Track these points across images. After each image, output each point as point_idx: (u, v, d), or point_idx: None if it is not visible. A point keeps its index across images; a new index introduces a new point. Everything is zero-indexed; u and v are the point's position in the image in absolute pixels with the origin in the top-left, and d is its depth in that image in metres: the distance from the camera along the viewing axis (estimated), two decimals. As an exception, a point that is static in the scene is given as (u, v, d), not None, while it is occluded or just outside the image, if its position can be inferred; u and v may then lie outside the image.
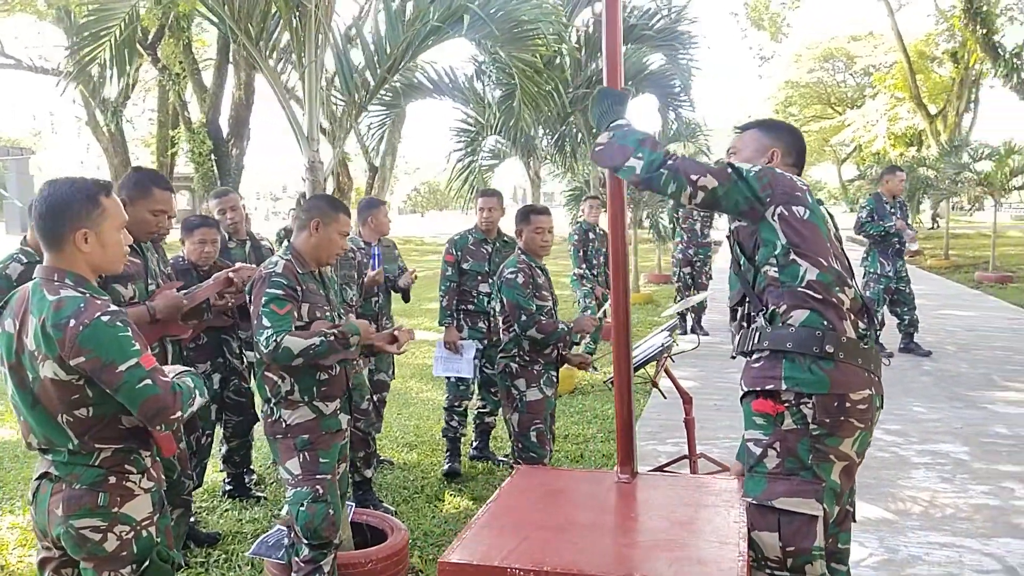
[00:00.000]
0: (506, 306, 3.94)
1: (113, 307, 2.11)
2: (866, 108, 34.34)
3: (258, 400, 3.83)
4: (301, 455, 2.98)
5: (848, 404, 2.23)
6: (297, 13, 3.49)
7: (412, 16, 3.92)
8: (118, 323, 2.07)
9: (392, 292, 4.98)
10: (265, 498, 4.59)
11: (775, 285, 2.33)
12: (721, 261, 10.90)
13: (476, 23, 4.05)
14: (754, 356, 2.37)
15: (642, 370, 3.90)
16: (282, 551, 3.16)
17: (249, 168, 19.44)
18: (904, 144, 32.14)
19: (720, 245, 9.90)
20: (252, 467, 4.81)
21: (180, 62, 17.57)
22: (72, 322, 2.02)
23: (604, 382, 4.55)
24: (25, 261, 3.65)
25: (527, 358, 3.99)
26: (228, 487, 4.63)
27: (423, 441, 5.69)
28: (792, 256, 2.30)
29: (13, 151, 37.56)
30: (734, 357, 2.51)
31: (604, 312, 7.90)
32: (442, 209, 63.98)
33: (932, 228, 26.01)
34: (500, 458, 5.24)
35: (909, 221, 8.03)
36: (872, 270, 7.71)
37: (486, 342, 5.15)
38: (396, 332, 3.25)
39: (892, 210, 7.68)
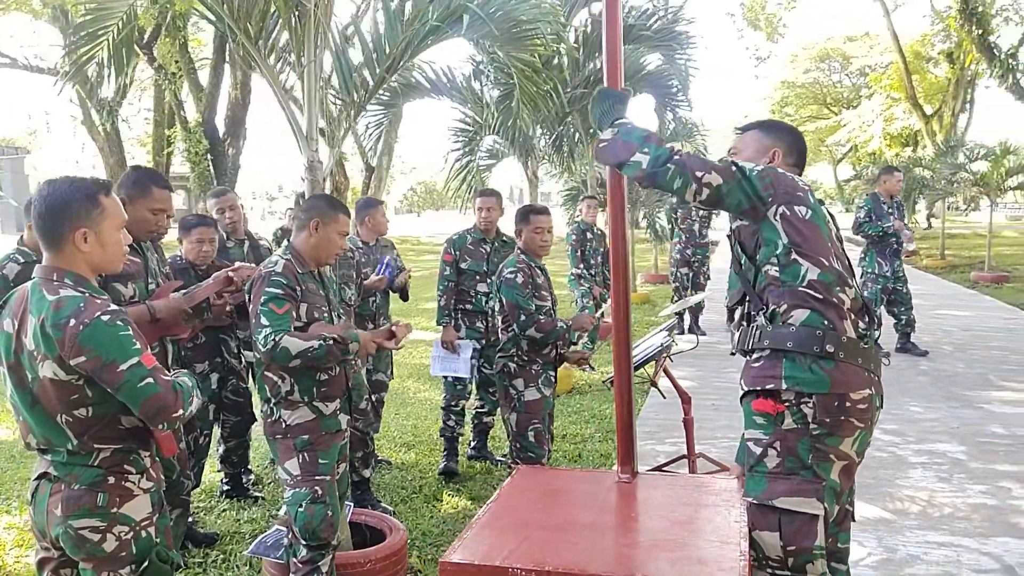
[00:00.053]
0: (505, 306, 3.94)
1: (113, 306, 2.10)
2: (862, 108, 34.37)
3: (256, 400, 3.83)
4: (300, 456, 2.97)
5: (848, 404, 2.23)
6: (296, 12, 3.48)
7: (411, 16, 3.91)
8: (118, 322, 2.06)
9: (390, 292, 4.97)
10: (263, 498, 4.58)
11: (776, 284, 2.33)
12: (719, 261, 10.89)
13: (475, 23, 4.05)
14: (754, 355, 2.37)
15: (641, 370, 3.90)
16: (281, 551, 3.16)
17: (245, 168, 19.41)
18: (900, 144, 32.19)
19: (717, 245, 9.90)
20: (250, 467, 4.80)
21: (176, 61, 17.53)
22: (72, 322, 2.01)
23: (603, 382, 4.54)
24: (22, 261, 3.64)
25: (525, 358, 3.99)
26: (226, 487, 4.62)
27: (421, 441, 5.69)
28: (793, 256, 2.30)
29: (8, 150, 37.46)
30: (733, 354, 2.51)
31: (602, 313, 7.92)
32: (438, 209, 63.93)
33: (927, 228, 26.07)
34: (498, 458, 5.24)
35: (905, 221, 8.04)
36: (870, 270, 7.72)
37: (484, 342, 5.14)
38: (393, 327, 3.24)
39: (889, 210, 7.71)
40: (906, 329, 8.02)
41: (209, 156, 17.62)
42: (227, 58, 17.30)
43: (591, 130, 9.15)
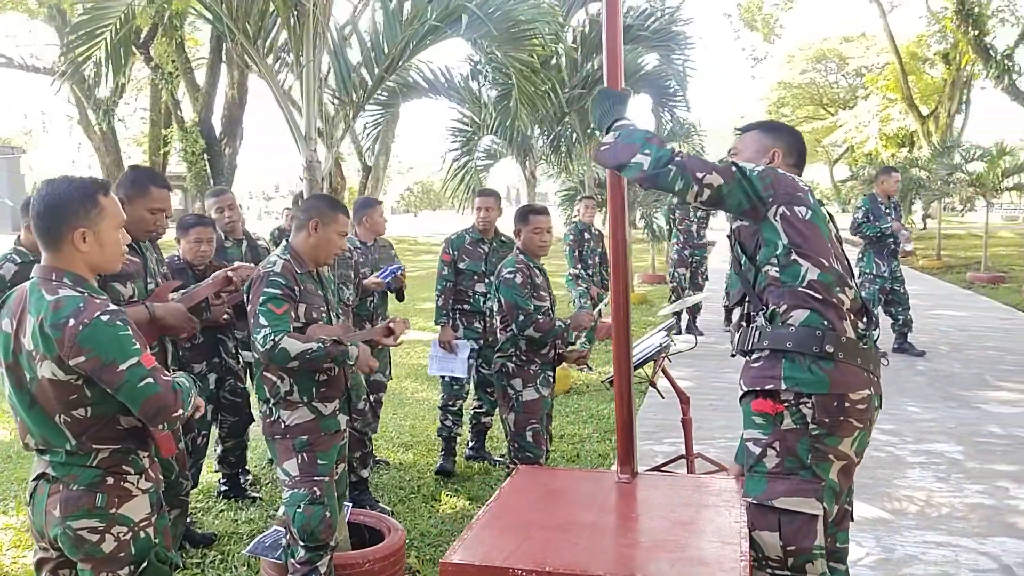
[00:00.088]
0: (504, 306, 3.94)
1: (112, 306, 2.10)
2: (858, 109, 34.42)
3: (254, 400, 3.82)
4: (300, 456, 2.97)
5: (847, 404, 2.24)
6: (295, 12, 3.47)
7: (410, 15, 3.91)
8: (118, 322, 2.06)
9: (388, 292, 4.97)
10: (261, 498, 4.57)
11: (776, 285, 2.33)
12: (715, 262, 10.93)
13: (474, 23, 4.04)
14: (754, 356, 2.37)
15: (639, 370, 3.90)
16: (279, 551, 3.15)
17: (242, 167, 19.41)
18: (896, 145, 32.23)
19: (714, 245, 9.92)
20: (247, 467, 4.80)
21: (173, 61, 17.52)
22: (71, 322, 2.01)
23: (602, 382, 4.55)
24: (19, 261, 3.63)
25: (524, 358, 3.99)
26: (223, 487, 4.61)
27: (419, 441, 5.68)
28: (793, 256, 2.30)
29: (4, 150, 37.40)
30: (733, 355, 2.52)
31: (599, 312, 7.91)
32: (435, 209, 63.89)
33: (922, 229, 26.11)
34: (496, 458, 5.24)
35: (902, 222, 8.06)
36: (867, 271, 7.74)
37: (482, 342, 5.14)
38: (391, 324, 3.23)
39: (887, 211, 7.72)
40: (903, 329, 8.04)
41: (206, 156, 17.62)
42: (224, 58, 17.29)
43: (589, 130, 9.15)
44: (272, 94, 3.75)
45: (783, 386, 2.25)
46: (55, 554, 2.22)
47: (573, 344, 4.92)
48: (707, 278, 9.81)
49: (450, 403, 5.13)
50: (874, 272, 7.72)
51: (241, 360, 4.44)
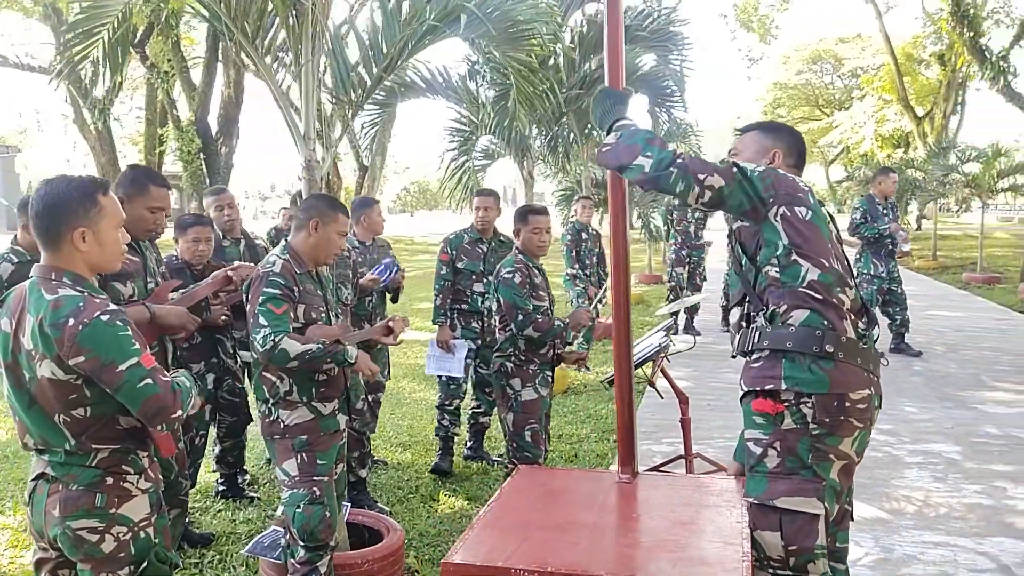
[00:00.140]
0: (503, 306, 3.93)
1: (112, 306, 2.09)
2: (854, 110, 34.48)
3: (251, 400, 3.81)
4: (299, 456, 2.96)
5: (848, 404, 2.24)
6: (294, 11, 3.47)
7: (408, 15, 3.90)
8: (118, 322, 2.05)
9: (386, 292, 4.96)
10: (259, 498, 4.56)
11: (776, 285, 2.33)
12: (713, 262, 10.94)
13: (473, 22, 4.04)
14: (754, 356, 2.37)
15: (638, 370, 3.90)
16: (278, 551, 3.14)
17: (237, 167, 19.37)
18: (891, 146, 32.30)
19: (711, 246, 9.94)
20: (245, 467, 4.78)
21: (169, 60, 17.48)
22: (71, 321, 2.00)
23: (601, 382, 4.54)
24: (16, 261, 3.62)
25: (523, 358, 3.98)
26: (221, 487, 4.60)
27: (417, 441, 5.68)
28: (794, 257, 2.30)
29: (-1, 149, 37.24)
30: (734, 356, 2.52)
31: (599, 299, 7.89)
32: (432, 209, 63.86)
33: (917, 229, 26.18)
34: (494, 458, 5.23)
35: (898, 222, 8.08)
36: (865, 271, 7.75)
37: (479, 342, 5.14)
38: (390, 323, 3.23)
39: (884, 211, 7.74)
40: (900, 330, 8.05)
41: (202, 155, 17.59)
42: (220, 57, 17.26)
43: (586, 130, 9.16)
44: (271, 94, 3.74)
45: (783, 386, 2.26)
46: (54, 554, 2.21)
47: (571, 344, 4.92)
48: (705, 278, 9.83)
49: (447, 402, 5.12)
50: (872, 273, 7.74)
51: (239, 360, 4.43)
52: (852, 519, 2.53)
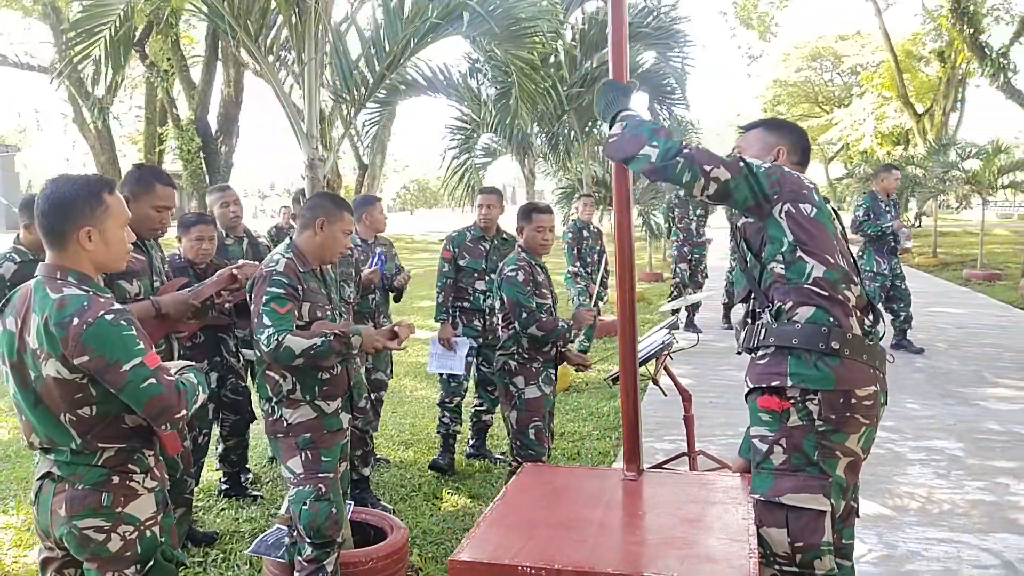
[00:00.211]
0: (506, 304, 3.93)
1: (117, 305, 2.09)
2: (853, 107, 34.46)
3: (255, 398, 3.81)
4: (303, 454, 2.96)
5: (854, 400, 2.24)
6: (296, 9, 3.46)
7: (411, 13, 3.90)
8: (122, 322, 2.05)
9: (389, 291, 4.96)
10: (262, 497, 4.56)
11: (781, 282, 2.33)
12: (713, 260, 10.92)
13: (475, 20, 4.03)
14: (759, 352, 2.37)
15: (641, 368, 3.89)
16: (282, 550, 3.14)
17: (237, 165, 19.35)
18: (891, 143, 32.29)
19: (711, 243, 9.94)
20: (248, 466, 4.79)
21: (168, 58, 17.46)
22: (75, 320, 2.00)
23: (605, 379, 4.54)
24: (19, 260, 3.62)
25: (526, 355, 3.98)
26: (224, 486, 4.60)
27: (419, 439, 5.68)
28: (799, 253, 2.30)
29: (-2, 148, 37.21)
30: (739, 353, 2.52)
31: (598, 299, 7.87)
32: (431, 207, 63.86)
33: (917, 226, 26.17)
34: (497, 456, 5.24)
35: (900, 219, 8.09)
36: (868, 268, 7.75)
37: (481, 340, 5.14)
38: (396, 328, 3.23)
39: (887, 208, 7.75)
40: (903, 326, 8.05)
41: (201, 154, 17.57)
42: (220, 55, 17.24)
43: (587, 128, 9.15)
44: (274, 92, 3.74)
45: (789, 382, 2.25)
46: (60, 553, 2.21)
47: (573, 342, 4.92)
48: (706, 276, 9.83)
49: (448, 400, 5.13)
50: (874, 270, 7.74)
51: (242, 359, 4.44)
52: (858, 516, 2.53)
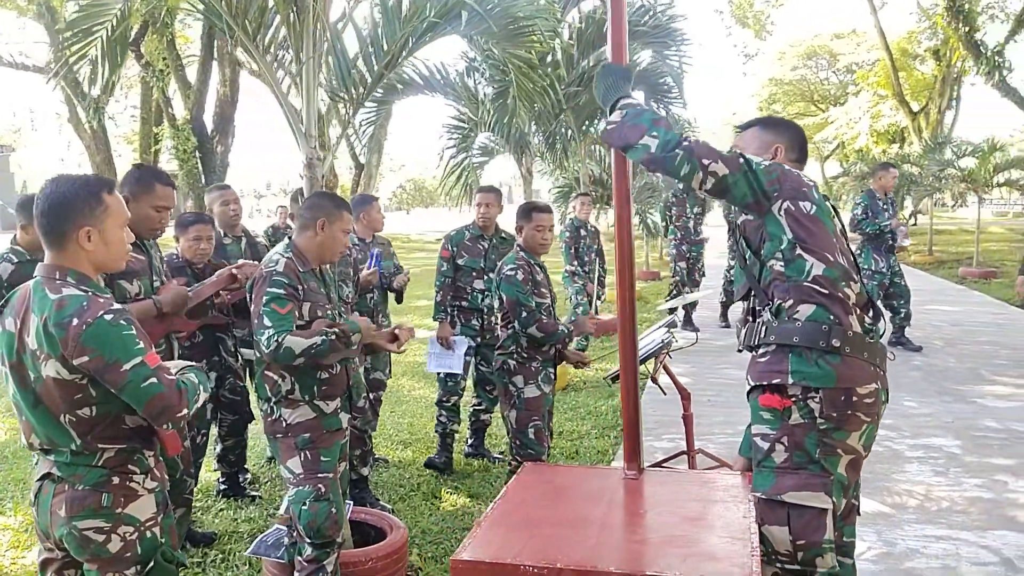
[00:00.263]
0: (505, 303, 3.93)
1: (116, 305, 2.08)
2: (849, 105, 34.53)
3: (253, 398, 3.80)
4: (302, 454, 2.95)
5: (855, 398, 2.24)
6: (295, 8, 3.45)
7: (409, 12, 3.89)
8: (121, 321, 2.04)
9: (388, 291, 4.96)
10: (260, 497, 4.55)
11: (781, 279, 2.33)
12: (709, 258, 10.94)
13: (473, 19, 4.03)
14: (760, 350, 2.37)
15: (640, 367, 3.89)
16: (281, 550, 3.14)
17: (232, 165, 19.32)
18: (887, 141, 32.36)
19: (707, 242, 9.96)
20: (246, 466, 4.78)
21: (164, 58, 17.43)
22: (75, 321, 1.99)
23: (604, 378, 4.54)
24: (16, 260, 3.61)
25: (525, 355, 3.98)
26: (223, 486, 4.59)
27: (417, 439, 5.67)
28: (799, 251, 2.30)
29: (-7, 148, 37.11)
30: (740, 351, 2.51)
31: (597, 298, 7.87)
32: (428, 206, 63.84)
33: (913, 224, 26.22)
34: (495, 455, 5.24)
35: (897, 217, 8.11)
36: (866, 266, 7.76)
37: (479, 340, 5.14)
38: (396, 331, 3.24)
39: (884, 207, 7.76)
40: (903, 323, 8.07)
41: (197, 154, 17.53)
42: (215, 55, 17.21)
43: (584, 127, 9.15)
44: (272, 91, 3.73)
45: (790, 380, 2.26)
46: (60, 554, 2.21)
47: (571, 340, 4.92)
48: (704, 274, 9.84)
49: (445, 399, 5.13)
50: (873, 268, 7.75)
51: (241, 358, 4.43)
52: (858, 513, 2.53)
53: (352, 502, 3.62)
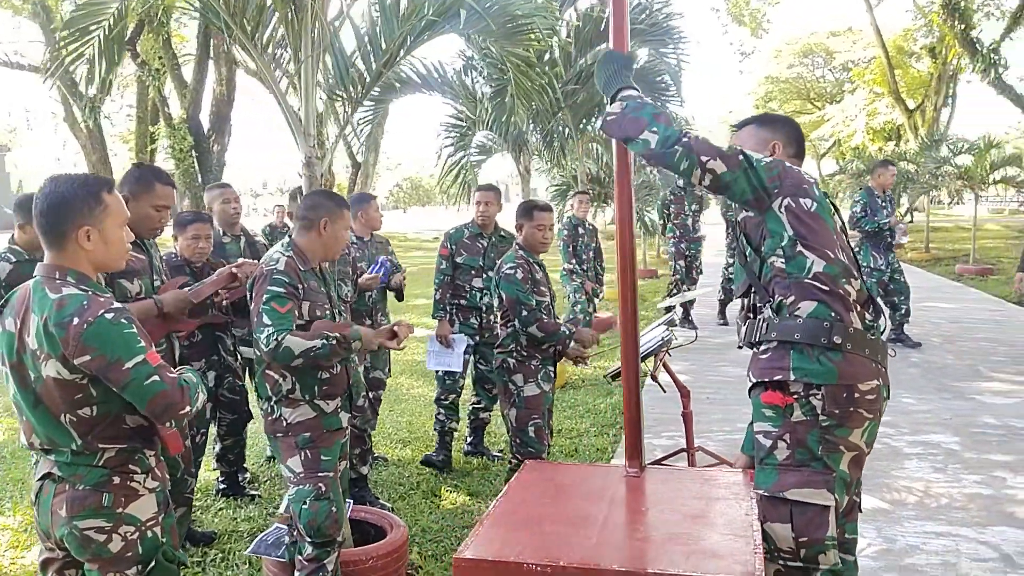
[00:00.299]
0: (505, 302, 3.92)
1: (116, 304, 2.08)
2: (845, 103, 34.56)
3: (252, 397, 3.80)
4: (303, 453, 2.95)
5: (857, 395, 2.24)
6: (293, 6, 3.44)
7: (407, 10, 3.88)
8: (122, 320, 2.04)
9: (387, 290, 4.95)
10: (259, 496, 4.55)
11: (782, 276, 2.33)
12: (706, 256, 10.95)
13: (472, 17, 4.02)
14: (762, 347, 2.37)
15: (641, 364, 3.89)
16: (282, 549, 3.13)
17: (229, 164, 19.27)
18: (883, 139, 32.40)
19: (705, 238, 9.97)
20: (245, 465, 4.77)
21: (159, 57, 17.36)
22: (76, 320, 1.99)
23: (604, 376, 4.53)
24: (14, 260, 3.60)
25: (524, 353, 3.98)
26: (222, 486, 4.59)
27: (416, 437, 5.67)
28: (799, 248, 2.30)
29: (-12, 148, 37.01)
30: (741, 347, 2.51)
31: (594, 305, 7.87)
32: (424, 205, 63.79)
33: (909, 222, 26.25)
34: (494, 453, 5.24)
35: (895, 215, 8.12)
36: (865, 264, 7.77)
37: (478, 338, 5.13)
38: (395, 328, 3.23)
39: (883, 204, 7.77)
40: (902, 320, 8.08)
41: (194, 153, 17.48)
42: (211, 54, 17.16)
43: (581, 125, 9.14)
44: (271, 90, 3.71)
45: (792, 377, 2.25)
46: (61, 554, 2.20)
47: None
48: (701, 272, 9.85)
49: (444, 397, 5.13)
50: (871, 265, 7.76)
51: (240, 357, 4.42)
52: (860, 510, 2.53)
53: (352, 501, 3.61)
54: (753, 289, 2.47)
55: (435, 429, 5.15)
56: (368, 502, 4.15)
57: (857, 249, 7.88)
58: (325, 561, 2.95)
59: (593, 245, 8.17)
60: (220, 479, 4.62)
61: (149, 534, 2.17)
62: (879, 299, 7.72)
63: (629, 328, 2.63)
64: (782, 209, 2.32)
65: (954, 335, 8.84)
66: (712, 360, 7.63)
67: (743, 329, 2.47)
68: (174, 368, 2.26)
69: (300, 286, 2.94)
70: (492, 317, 4.78)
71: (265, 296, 2.85)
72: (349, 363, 3.13)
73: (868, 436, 2.28)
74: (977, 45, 18.55)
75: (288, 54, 3.72)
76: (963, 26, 18.63)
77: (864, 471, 2.42)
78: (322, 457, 2.97)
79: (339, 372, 3.06)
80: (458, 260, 5.09)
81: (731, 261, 9.34)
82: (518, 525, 2.17)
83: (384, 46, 3.96)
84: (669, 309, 5.48)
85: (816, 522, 2.19)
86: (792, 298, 2.31)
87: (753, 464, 2.43)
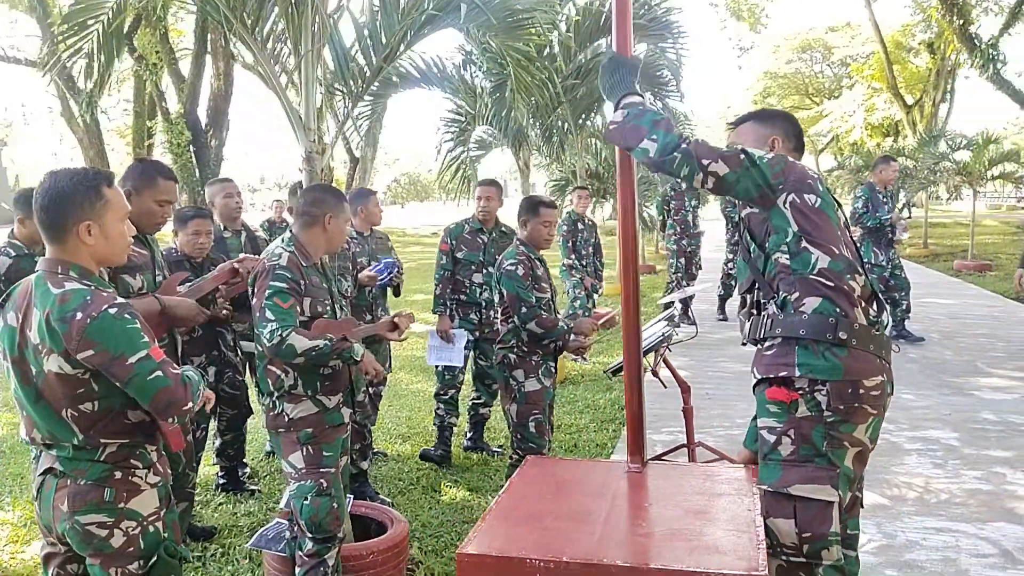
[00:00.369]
0: (506, 298, 3.92)
1: (120, 299, 2.07)
2: (843, 99, 34.56)
3: (252, 393, 3.79)
4: (304, 448, 2.94)
5: (862, 391, 2.24)
6: (293, 0, 3.43)
7: (407, 5, 3.87)
8: (126, 315, 2.03)
9: (386, 285, 4.94)
10: (259, 491, 4.55)
11: (786, 272, 2.33)
12: (705, 251, 10.95)
13: (472, 12, 4.01)
14: (766, 343, 2.37)
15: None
16: (282, 543, 3.13)
17: (227, 159, 19.23)
18: (881, 134, 32.39)
19: (703, 234, 9.97)
20: (245, 460, 4.77)
21: (157, 52, 17.30)
22: (79, 315, 1.98)
23: (605, 371, 4.53)
24: (13, 255, 3.60)
25: (525, 349, 3.97)
26: (221, 481, 4.59)
27: (416, 432, 5.67)
28: (804, 244, 2.30)
29: (-15, 143, 36.88)
30: (744, 344, 2.51)
31: (593, 302, 7.87)
32: (423, 200, 63.70)
33: (908, 217, 26.27)
34: (494, 449, 5.24)
35: (896, 211, 8.12)
36: (866, 260, 7.77)
37: (477, 334, 5.13)
38: (396, 319, 3.22)
39: (884, 200, 7.77)
40: (903, 316, 8.09)
41: (191, 148, 17.44)
42: (209, 48, 17.11)
43: (580, 120, 9.14)
44: (272, 85, 3.70)
45: (797, 373, 2.25)
46: (63, 549, 2.20)
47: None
48: (700, 267, 9.85)
49: (443, 392, 5.13)
50: (872, 261, 7.76)
51: (240, 352, 4.41)
52: (862, 506, 2.53)
53: (352, 496, 3.61)
54: (757, 285, 2.46)
55: (434, 424, 5.15)
56: (368, 497, 4.15)
57: (858, 245, 7.87)
58: (326, 556, 2.95)
59: (592, 241, 8.17)
60: (220, 474, 4.61)
61: (151, 529, 2.17)
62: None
63: (631, 324, 2.62)
64: (786, 205, 2.32)
65: (953, 331, 8.84)
66: (711, 356, 7.64)
67: (747, 326, 2.47)
68: (177, 364, 2.26)
69: (302, 282, 2.93)
70: (492, 313, 4.77)
71: (268, 292, 2.84)
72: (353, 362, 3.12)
73: (872, 432, 2.28)
74: (976, 40, 18.54)
75: (288, 48, 3.71)
76: (962, 21, 18.61)
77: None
78: (324, 453, 2.96)
79: (341, 368, 3.05)
80: (458, 255, 5.08)
81: (731, 257, 9.33)
82: (520, 520, 2.17)
83: (384, 40, 3.95)
84: (669, 305, 5.48)
85: (820, 518, 2.19)
86: (797, 294, 2.30)
87: (754, 459, 2.43)
